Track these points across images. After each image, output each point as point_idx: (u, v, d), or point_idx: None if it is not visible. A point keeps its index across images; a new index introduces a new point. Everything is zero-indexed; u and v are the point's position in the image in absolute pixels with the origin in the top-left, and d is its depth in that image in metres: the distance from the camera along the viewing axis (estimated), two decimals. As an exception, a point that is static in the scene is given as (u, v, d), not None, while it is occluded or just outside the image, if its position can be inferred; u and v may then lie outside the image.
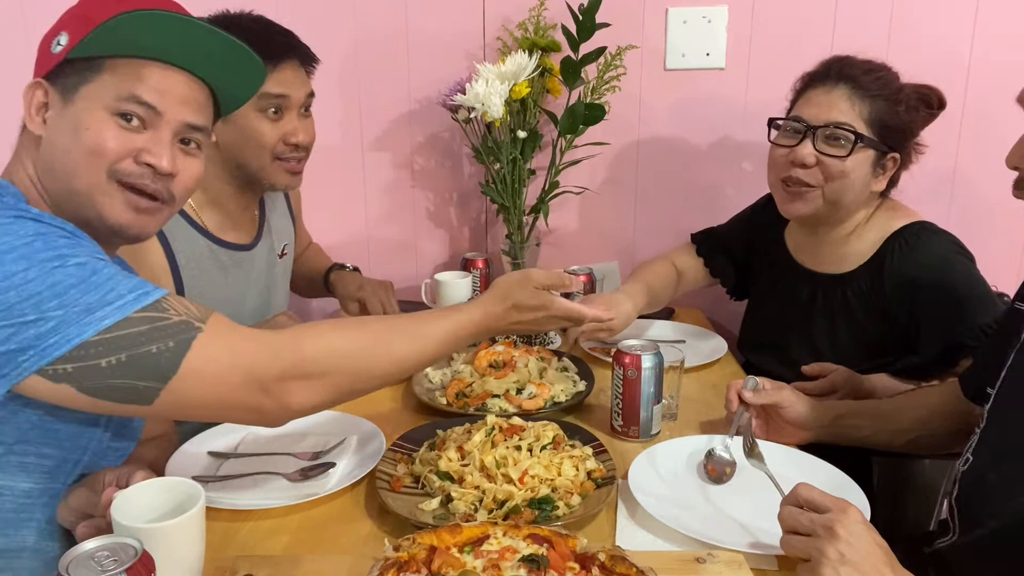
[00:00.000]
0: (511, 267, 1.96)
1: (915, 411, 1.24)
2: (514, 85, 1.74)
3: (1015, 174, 1.01)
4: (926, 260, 1.41)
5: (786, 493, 0.94)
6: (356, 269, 1.85)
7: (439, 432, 1.22)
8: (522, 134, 1.84)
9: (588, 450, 1.17)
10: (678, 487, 1.13)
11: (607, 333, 1.47)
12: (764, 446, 1.20)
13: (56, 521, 0.99)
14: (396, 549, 0.87)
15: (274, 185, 1.51)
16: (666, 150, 2.03)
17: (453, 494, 1.05)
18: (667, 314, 1.91)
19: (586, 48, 1.79)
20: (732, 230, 1.78)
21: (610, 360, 1.31)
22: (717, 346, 1.67)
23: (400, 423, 1.33)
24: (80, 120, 0.95)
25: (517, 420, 1.19)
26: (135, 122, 0.97)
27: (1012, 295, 1.16)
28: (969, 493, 1.03)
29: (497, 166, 1.86)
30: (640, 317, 1.79)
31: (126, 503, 0.85)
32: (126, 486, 0.90)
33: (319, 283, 1.83)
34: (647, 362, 1.24)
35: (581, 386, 1.46)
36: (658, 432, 1.29)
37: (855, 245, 1.49)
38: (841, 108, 1.40)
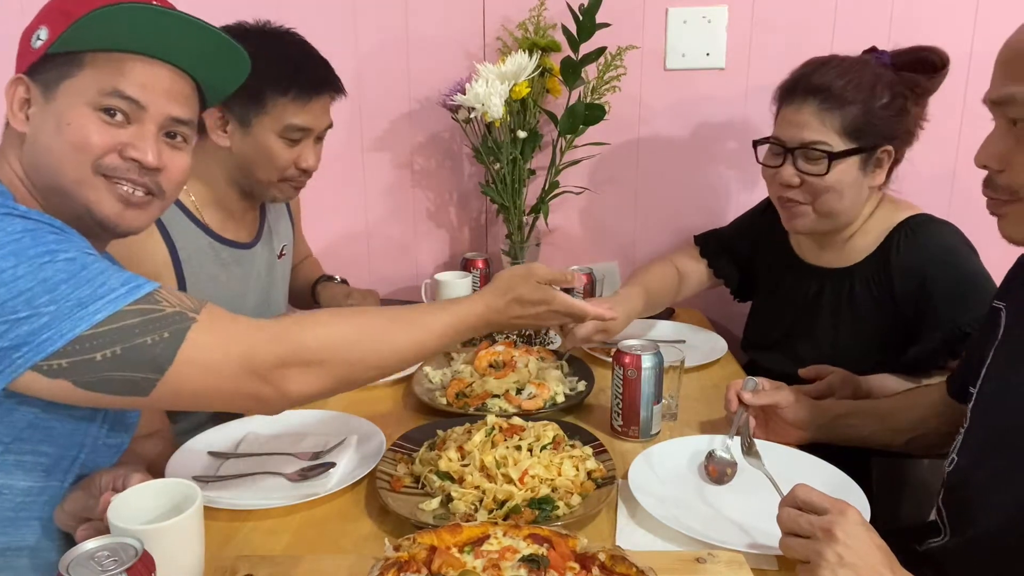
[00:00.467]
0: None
1: (913, 411, 1.24)
2: (514, 85, 1.74)
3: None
4: (933, 250, 1.40)
5: (785, 494, 0.94)
6: (344, 281, 1.85)
7: (439, 432, 1.22)
8: (522, 134, 1.83)
9: (588, 450, 1.17)
10: (678, 487, 1.13)
11: (605, 334, 1.45)
12: (764, 446, 1.20)
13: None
14: (396, 549, 0.87)
15: (274, 199, 1.55)
16: (666, 150, 2.03)
17: (453, 494, 1.05)
18: (667, 314, 1.90)
19: (586, 48, 1.79)
20: (736, 231, 1.77)
21: (610, 360, 1.31)
22: (717, 346, 1.67)
23: (400, 423, 1.33)
24: (63, 116, 0.95)
25: (517, 420, 1.19)
26: (119, 117, 0.96)
27: None
28: (956, 494, 1.03)
29: (497, 166, 1.86)
30: (640, 317, 1.80)
31: (123, 506, 0.85)
32: (123, 488, 0.90)
33: (308, 295, 1.84)
34: (647, 362, 1.24)
35: (580, 386, 1.46)
36: (658, 432, 1.29)
37: (859, 239, 1.49)
38: (812, 127, 1.38)
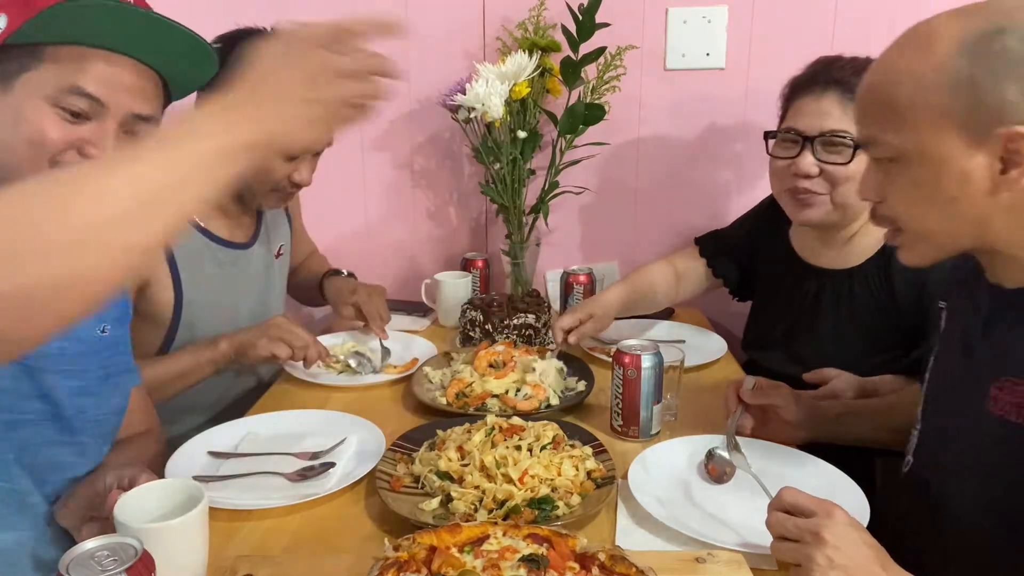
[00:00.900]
0: (511, 267, 1.96)
1: (910, 410, 1.24)
2: (514, 85, 1.74)
3: None
4: None
5: (772, 495, 0.94)
6: (351, 275, 1.84)
7: (439, 432, 1.22)
8: (522, 134, 1.84)
9: (588, 450, 1.17)
10: (678, 487, 1.13)
11: (593, 326, 1.54)
12: (763, 446, 1.21)
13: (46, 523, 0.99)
14: (396, 549, 0.87)
15: (260, 207, 1.56)
16: (666, 150, 2.03)
17: (453, 494, 1.05)
18: (667, 314, 1.91)
19: (586, 48, 1.79)
20: (736, 231, 1.78)
21: (610, 360, 1.31)
22: (717, 346, 1.67)
23: (400, 423, 1.33)
24: (20, 111, 0.91)
25: (517, 420, 1.19)
26: (79, 114, 0.93)
27: None
28: (914, 497, 1.03)
29: (497, 166, 1.87)
30: (640, 317, 1.81)
31: (129, 504, 0.85)
32: (129, 487, 0.90)
33: (316, 290, 1.83)
34: (647, 362, 1.24)
35: (580, 386, 1.46)
36: (658, 432, 1.29)
37: (861, 239, 1.49)
38: (834, 115, 1.38)
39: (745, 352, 1.74)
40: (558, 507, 1.03)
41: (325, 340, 1.67)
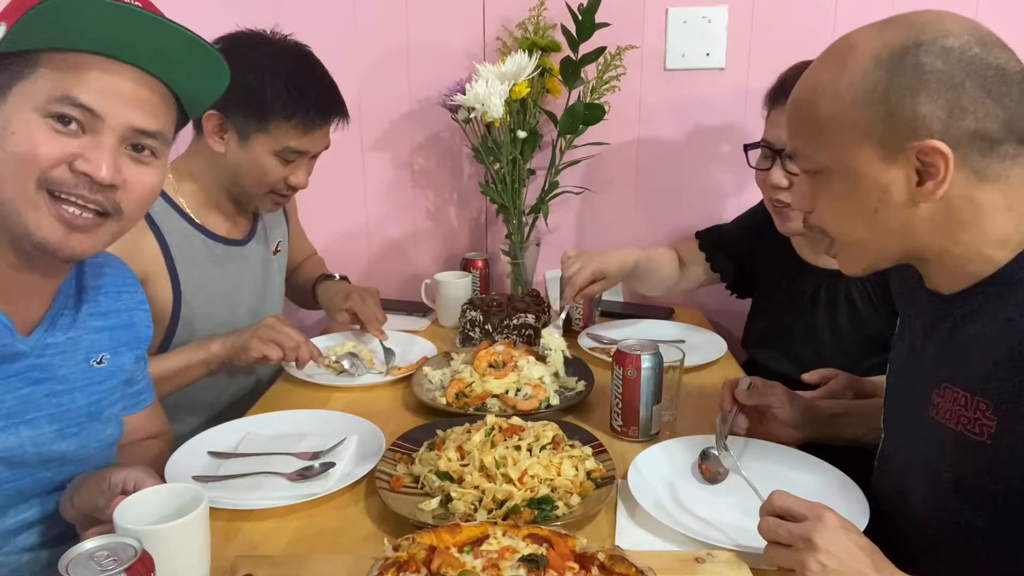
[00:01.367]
0: (511, 267, 1.96)
1: None
2: (514, 85, 1.74)
3: None
4: None
5: (764, 497, 0.93)
6: (344, 278, 1.82)
7: (439, 432, 1.22)
8: (522, 134, 1.84)
9: (588, 450, 1.17)
10: (678, 487, 1.13)
11: (604, 283, 1.59)
12: (762, 446, 1.21)
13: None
14: (396, 549, 0.87)
15: (256, 209, 1.56)
16: (666, 150, 2.03)
17: (453, 494, 1.05)
18: (667, 314, 1.91)
19: (586, 48, 1.79)
20: (737, 228, 1.78)
21: (610, 360, 1.31)
22: (717, 346, 1.67)
23: (400, 423, 1.33)
24: (9, 123, 0.85)
25: (517, 420, 1.19)
26: (72, 126, 0.85)
27: None
28: (880, 499, 1.03)
29: (497, 166, 1.87)
30: (639, 317, 1.81)
31: (130, 507, 0.85)
32: (134, 490, 0.89)
33: (309, 293, 1.81)
34: (647, 362, 1.24)
35: (580, 386, 1.46)
36: (657, 432, 1.29)
37: None
38: None
39: (744, 351, 1.74)
40: (558, 507, 1.03)
41: (325, 341, 1.67)
